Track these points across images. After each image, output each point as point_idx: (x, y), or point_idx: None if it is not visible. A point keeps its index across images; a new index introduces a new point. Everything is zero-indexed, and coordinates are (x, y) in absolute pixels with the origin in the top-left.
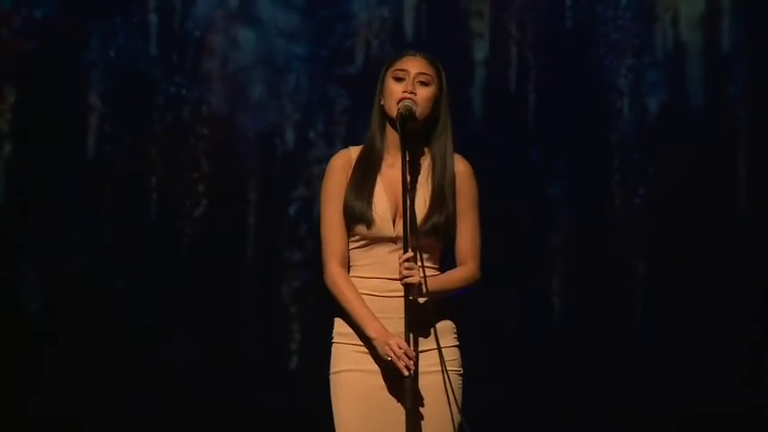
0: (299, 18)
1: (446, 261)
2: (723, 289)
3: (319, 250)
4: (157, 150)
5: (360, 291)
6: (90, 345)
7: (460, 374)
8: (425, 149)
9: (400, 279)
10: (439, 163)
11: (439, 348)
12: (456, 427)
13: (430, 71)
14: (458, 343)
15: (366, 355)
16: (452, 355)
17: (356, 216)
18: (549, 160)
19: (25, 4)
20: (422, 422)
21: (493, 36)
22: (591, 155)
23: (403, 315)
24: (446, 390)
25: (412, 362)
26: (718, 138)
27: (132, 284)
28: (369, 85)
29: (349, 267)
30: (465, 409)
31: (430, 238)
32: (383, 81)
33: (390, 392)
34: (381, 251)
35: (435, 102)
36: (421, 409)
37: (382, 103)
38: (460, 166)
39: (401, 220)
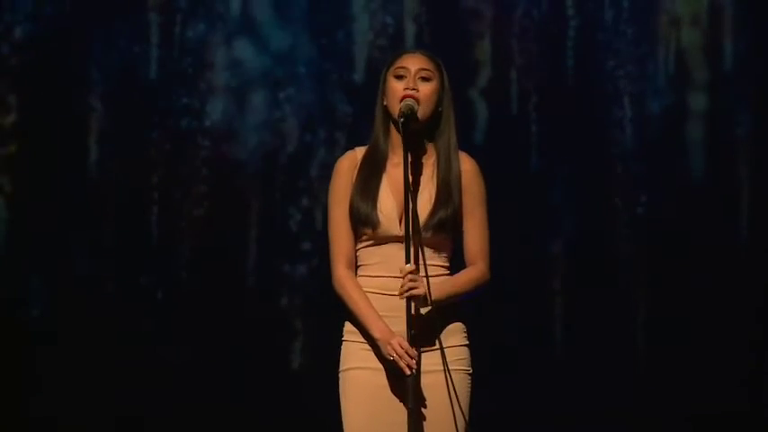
0: (299, 26)
1: (457, 258)
2: (724, 289)
3: (327, 252)
4: (159, 161)
5: (367, 289)
6: (90, 345)
7: (469, 374)
8: (430, 146)
9: (402, 294)
10: (443, 158)
11: (441, 348)
12: (458, 426)
13: (430, 67)
14: (467, 342)
15: (374, 353)
16: (461, 355)
17: (362, 218)
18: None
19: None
20: (426, 421)
21: (494, 50)
22: (592, 163)
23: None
24: (448, 389)
25: (414, 361)
26: (720, 145)
27: (133, 290)
28: (370, 94)
29: (358, 266)
30: (473, 408)
31: (439, 234)
32: (384, 81)
33: (397, 391)
34: (389, 250)
35: (438, 97)
36: (426, 408)
37: (385, 103)
38: (467, 165)
39: (417, 220)
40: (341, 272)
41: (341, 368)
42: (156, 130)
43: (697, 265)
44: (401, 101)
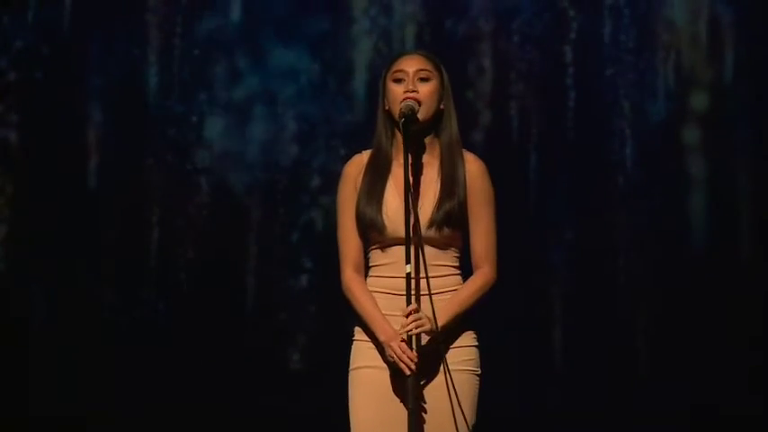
0: (298, 38)
1: (466, 257)
2: (725, 290)
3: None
4: (157, 177)
5: (377, 289)
6: (90, 345)
7: (477, 375)
8: (434, 146)
9: (406, 336)
10: (447, 155)
11: (437, 347)
12: (460, 425)
13: (428, 66)
14: (476, 344)
15: (382, 353)
16: (470, 355)
17: (368, 222)
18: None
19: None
20: (431, 420)
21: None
22: (591, 171)
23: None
24: (448, 389)
25: (413, 363)
26: (719, 152)
27: (132, 304)
28: (370, 104)
29: (370, 266)
30: (479, 409)
31: (445, 230)
32: (384, 85)
33: (404, 390)
34: (398, 251)
35: (438, 96)
36: (432, 407)
37: (387, 107)
38: (473, 165)
39: (418, 220)
40: (348, 275)
41: (351, 367)
42: (155, 142)
43: (699, 266)
44: (401, 103)
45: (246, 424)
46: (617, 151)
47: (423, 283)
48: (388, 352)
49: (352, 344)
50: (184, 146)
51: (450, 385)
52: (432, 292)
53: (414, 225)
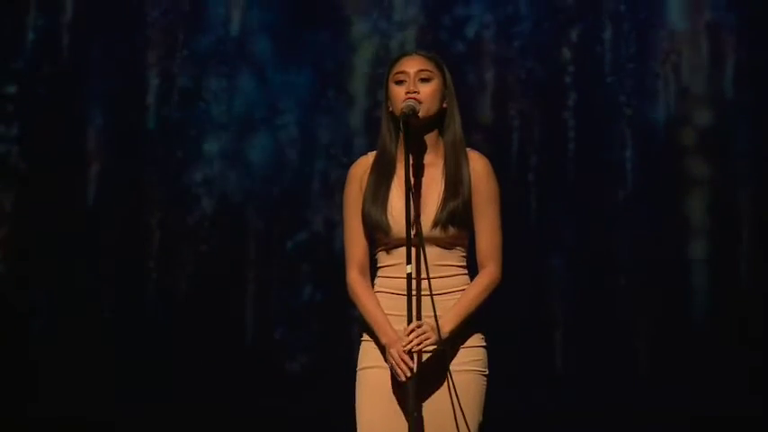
0: (299, 54)
1: (473, 257)
2: (726, 290)
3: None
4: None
5: (384, 289)
6: (90, 345)
7: (485, 375)
8: (438, 145)
9: (410, 357)
10: (450, 154)
11: (443, 350)
12: (462, 428)
13: (429, 66)
14: (484, 344)
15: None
16: (478, 356)
17: (373, 224)
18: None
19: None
20: (434, 422)
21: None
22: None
23: (424, 314)
24: (449, 389)
25: (408, 370)
26: (720, 160)
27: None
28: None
29: (378, 267)
30: (486, 409)
31: (450, 230)
32: (387, 87)
33: (408, 394)
34: (404, 252)
35: (440, 95)
36: (435, 409)
37: (391, 109)
38: (477, 164)
39: (419, 220)
40: (353, 277)
41: (358, 367)
42: (155, 151)
43: (699, 267)
44: (402, 103)
45: (246, 424)
46: (617, 155)
47: (425, 283)
48: (387, 356)
49: (359, 344)
50: (184, 156)
51: (452, 388)
52: (438, 292)
53: (416, 225)
